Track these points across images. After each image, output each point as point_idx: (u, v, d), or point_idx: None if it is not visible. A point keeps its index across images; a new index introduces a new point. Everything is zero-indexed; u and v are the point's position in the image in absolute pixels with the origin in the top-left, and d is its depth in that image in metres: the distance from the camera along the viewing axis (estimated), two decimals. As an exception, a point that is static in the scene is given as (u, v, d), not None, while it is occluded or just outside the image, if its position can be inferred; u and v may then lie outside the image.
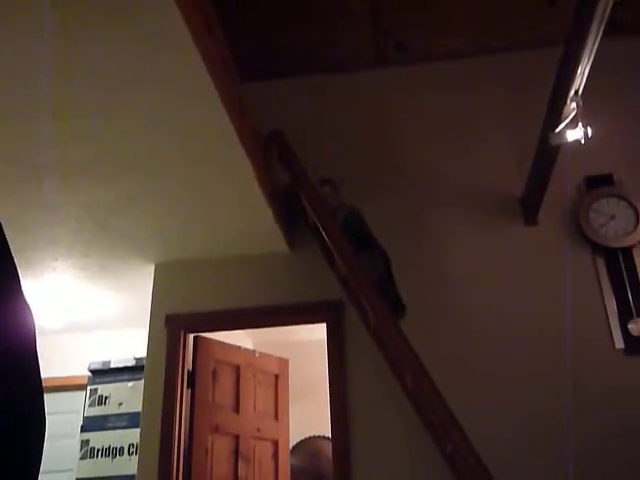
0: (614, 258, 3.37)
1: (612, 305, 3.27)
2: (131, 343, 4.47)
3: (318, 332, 3.70)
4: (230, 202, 3.15)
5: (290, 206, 3.58)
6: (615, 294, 3.29)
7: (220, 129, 2.53)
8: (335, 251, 3.26)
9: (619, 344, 3.19)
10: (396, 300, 3.21)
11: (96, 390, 4.37)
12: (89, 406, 4.33)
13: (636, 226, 3.37)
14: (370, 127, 3.96)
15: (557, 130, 2.80)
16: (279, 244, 3.56)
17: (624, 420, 3.04)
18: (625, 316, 3.23)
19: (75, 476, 4.15)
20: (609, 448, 3.00)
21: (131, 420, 4.15)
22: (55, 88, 2.24)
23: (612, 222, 3.41)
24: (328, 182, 3.50)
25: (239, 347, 4.02)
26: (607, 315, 3.25)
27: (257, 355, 4.13)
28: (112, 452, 4.17)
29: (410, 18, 3.82)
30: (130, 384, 4.31)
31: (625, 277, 3.31)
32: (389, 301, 3.14)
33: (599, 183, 3.52)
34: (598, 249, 3.39)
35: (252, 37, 3.83)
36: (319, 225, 3.30)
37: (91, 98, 2.32)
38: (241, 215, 3.26)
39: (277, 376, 4.21)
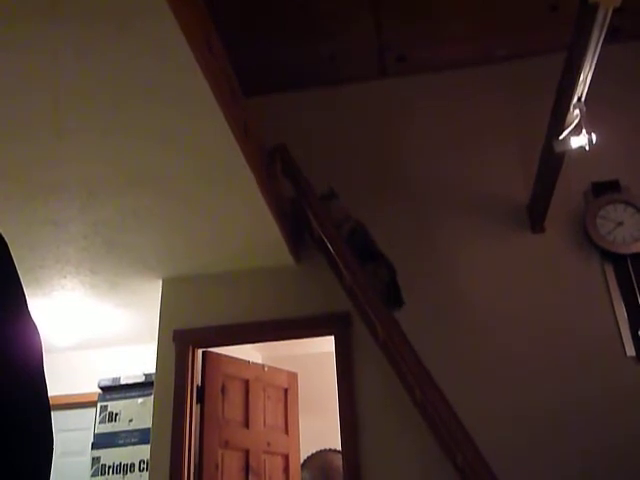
0: (623, 264, 3.34)
1: (622, 312, 3.24)
2: (140, 359, 4.49)
3: (326, 345, 3.69)
4: (236, 217, 3.16)
5: (295, 219, 3.58)
6: (625, 301, 3.26)
7: (224, 145, 2.53)
8: (341, 263, 3.25)
9: (630, 351, 3.15)
10: (396, 298, 3.22)
11: (106, 407, 4.38)
12: (99, 423, 4.34)
13: (644, 232, 3.36)
14: (374, 138, 3.97)
15: (561, 137, 2.80)
16: (285, 257, 3.56)
17: (635, 427, 3.01)
18: (636, 323, 3.20)
19: (87, 493, 4.15)
20: (620, 455, 2.96)
21: (141, 436, 4.15)
22: (61, 106, 2.26)
23: (620, 228, 3.39)
24: (330, 195, 3.49)
25: (248, 361, 4.01)
26: (617, 322, 3.23)
27: (266, 369, 4.12)
28: (123, 469, 4.16)
29: (413, 29, 3.84)
30: (140, 400, 4.32)
31: (635, 283, 3.28)
32: (389, 298, 3.15)
33: (606, 189, 3.50)
34: (607, 256, 3.37)
35: (256, 52, 3.85)
36: (324, 238, 3.30)
37: (97, 115, 2.33)
38: (247, 229, 3.27)
39: (286, 390, 4.19)
